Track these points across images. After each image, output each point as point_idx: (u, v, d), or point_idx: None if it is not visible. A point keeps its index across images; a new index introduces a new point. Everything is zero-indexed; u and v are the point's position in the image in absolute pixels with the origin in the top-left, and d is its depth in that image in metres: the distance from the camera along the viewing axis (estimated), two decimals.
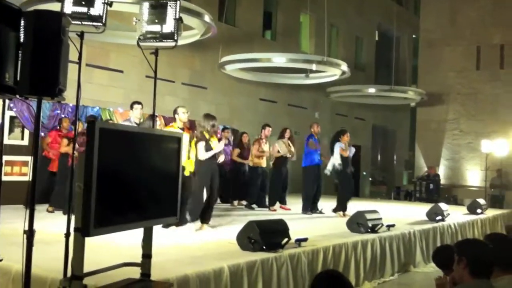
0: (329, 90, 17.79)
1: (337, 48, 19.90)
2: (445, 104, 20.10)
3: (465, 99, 19.68)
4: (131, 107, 8.29)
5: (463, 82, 19.59)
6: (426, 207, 10.89)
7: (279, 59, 13.53)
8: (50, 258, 4.38)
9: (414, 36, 23.89)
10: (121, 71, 12.49)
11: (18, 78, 3.33)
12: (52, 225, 6.72)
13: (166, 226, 6.98)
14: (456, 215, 10.99)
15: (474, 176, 19.47)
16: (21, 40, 3.38)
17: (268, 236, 5.83)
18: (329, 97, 18.29)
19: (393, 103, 19.72)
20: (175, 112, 7.50)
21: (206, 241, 6.54)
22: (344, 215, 9.84)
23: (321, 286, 2.49)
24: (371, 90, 17.88)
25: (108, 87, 12.18)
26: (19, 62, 3.34)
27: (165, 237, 6.34)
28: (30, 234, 3.47)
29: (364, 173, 22.01)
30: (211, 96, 14.78)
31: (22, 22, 3.38)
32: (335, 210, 10.26)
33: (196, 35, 11.16)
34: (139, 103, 8.22)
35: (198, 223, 7.51)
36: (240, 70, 14.40)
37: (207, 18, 10.22)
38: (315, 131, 10.83)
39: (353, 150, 10.50)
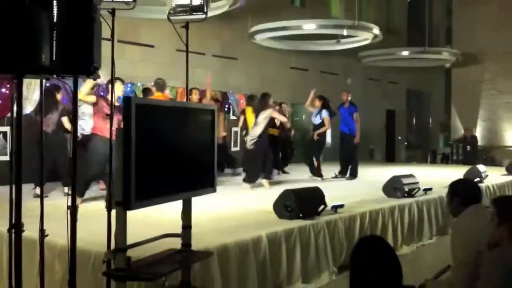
0: (361, 55, 17.52)
1: (368, 11, 19.48)
2: (480, 64, 19.60)
3: (502, 58, 19.10)
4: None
5: (499, 40, 18.99)
6: (463, 169, 10.76)
7: (309, 26, 13.36)
8: (93, 232, 4.51)
9: None
10: (152, 46, 12.56)
11: (54, 58, 3.39)
12: (93, 199, 6.91)
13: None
14: (494, 177, 10.85)
15: None
16: (54, 20, 3.44)
17: (305, 203, 5.88)
18: (361, 62, 18.03)
19: (427, 65, 19.30)
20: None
21: (243, 210, 6.62)
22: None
23: (364, 251, 2.52)
24: (405, 53, 17.53)
25: (140, 62, 12.27)
26: (54, 42, 3.40)
27: (202, 208, 6.46)
28: (73, 209, 3.58)
29: (399, 137, 21.76)
30: (241, 66, 14.75)
31: (55, 2, 3.43)
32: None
33: (224, 6, 11.10)
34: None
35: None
36: (270, 39, 14.28)
37: None
38: (343, 99, 10.84)
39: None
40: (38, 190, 7.79)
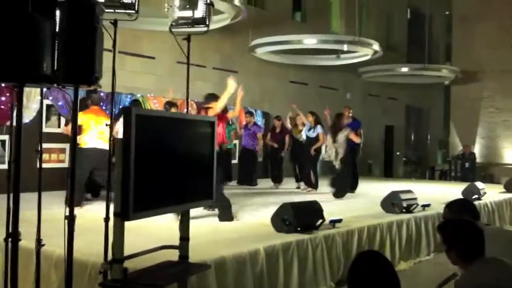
0: (360, 70, 17.59)
1: (368, 27, 19.59)
2: (480, 82, 19.66)
3: (501, 76, 19.16)
4: None
5: (498, 59, 19.07)
6: (461, 186, 10.75)
7: (310, 41, 13.44)
8: (90, 242, 4.48)
9: (447, 12, 23.37)
10: (153, 58, 12.59)
11: (55, 67, 3.40)
12: (90, 210, 6.89)
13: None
14: (492, 194, 10.82)
15: (510, 154, 19.09)
16: (57, 29, 3.45)
17: (302, 217, 5.86)
18: (360, 77, 18.09)
19: (426, 82, 19.39)
20: None
21: (241, 223, 6.60)
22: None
23: (363, 266, 2.51)
24: (404, 69, 17.61)
25: (140, 73, 12.30)
26: (56, 51, 3.41)
27: (200, 220, 6.44)
28: (71, 219, 3.57)
29: (398, 153, 21.78)
30: (241, 79, 14.61)
31: (57, 11, 3.45)
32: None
33: (226, 19, 11.16)
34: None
35: None
36: (270, 52, 14.35)
37: (237, 1, 10.21)
38: (345, 115, 10.90)
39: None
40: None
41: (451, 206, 3.85)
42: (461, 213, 3.61)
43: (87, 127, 7.68)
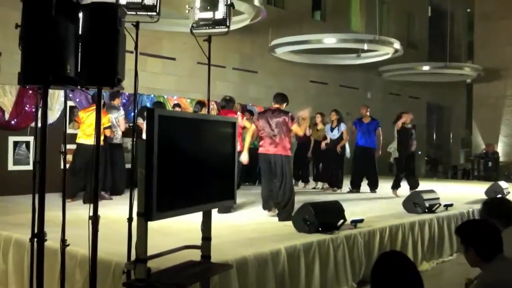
0: (381, 69, 17.48)
1: (389, 25, 19.47)
2: (503, 79, 19.42)
3: None
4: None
5: None
6: (484, 185, 10.62)
7: (329, 40, 13.40)
8: (113, 242, 4.53)
9: (468, 10, 23.11)
10: (174, 59, 12.67)
11: (79, 70, 3.45)
12: (113, 210, 6.95)
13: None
14: None
15: None
16: (80, 32, 3.50)
17: (324, 217, 5.84)
18: (381, 76, 17.98)
19: (448, 80, 19.18)
20: None
21: (262, 223, 6.61)
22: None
23: (386, 266, 2.50)
24: (425, 68, 17.47)
25: (161, 74, 12.39)
26: (79, 54, 3.46)
27: (222, 220, 6.46)
28: (95, 219, 3.62)
29: (420, 152, 21.57)
30: (261, 79, 14.80)
31: (80, 14, 3.49)
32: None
33: (246, 20, 11.18)
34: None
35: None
36: (290, 52, 14.34)
37: (256, 2, 10.23)
38: (362, 114, 10.89)
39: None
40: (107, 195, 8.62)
41: (488, 204, 3.87)
42: (496, 212, 3.62)
43: (88, 123, 8.29)
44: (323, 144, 11.29)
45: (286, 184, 6.84)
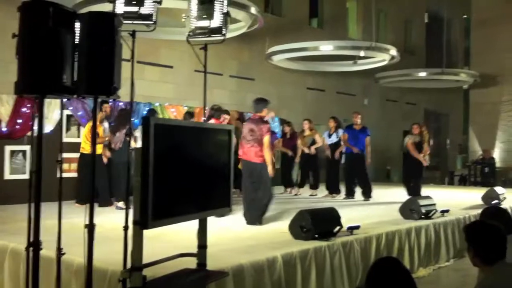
0: (378, 76, 17.53)
1: (386, 32, 19.54)
2: (499, 85, 19.48)
3: None
4: None
5: None
6: (481, 191, 10.64)
7: (326, 47, 13.44)
8: (109, 251, 4.53)
9: (465, 16, 23.20)
10: (171, 67, 12.70)
11: (75, 79, 3.47)
12: (109, 218, 6.95)
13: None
14: None
15: None
16: (76, 41, 3.52)
17: (320, 224, 5.85)
18: (378, 82, 18.03)
19: (445, 86, 19.23)
20: None
21: (258, 230, 6.62)
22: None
23: (380, 273, 2.51)
24: (422, 74, 17.50)
25: (159, 82, 12.41)
26: (75, 63, 3.48)
27: (218, 227, 6.47)
28: (91, 228, 3.62)
29: None
30: (258, 87, 14.82)
31: (77, 24, 3.52)
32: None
33: (243, 28, 11.22)
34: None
35: None
36: (287, 60, 14.37)
37: (253, 10, 10.26)
38: (354, 120, 10.91)
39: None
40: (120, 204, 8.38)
41: (486, 212, 3.90)
42: (494, 221, 3.62)
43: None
44: (312, 149, 11.27)
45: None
